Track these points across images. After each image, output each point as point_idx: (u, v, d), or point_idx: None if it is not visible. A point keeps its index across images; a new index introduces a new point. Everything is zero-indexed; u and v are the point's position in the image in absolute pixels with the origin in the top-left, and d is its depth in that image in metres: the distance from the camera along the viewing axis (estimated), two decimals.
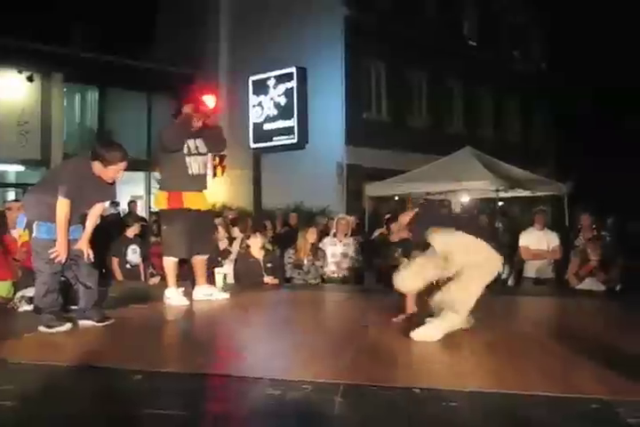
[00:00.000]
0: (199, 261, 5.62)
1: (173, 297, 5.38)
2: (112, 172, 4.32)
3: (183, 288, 5.56)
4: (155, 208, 13.39)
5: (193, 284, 5.71)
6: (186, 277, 5.90)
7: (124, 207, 10.67)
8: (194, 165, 5.41)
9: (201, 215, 5.51)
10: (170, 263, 5.48)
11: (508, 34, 20.51)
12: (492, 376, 3.04)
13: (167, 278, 5.50)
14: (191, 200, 5.39)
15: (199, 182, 5.50)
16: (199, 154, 5.48)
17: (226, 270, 6.87)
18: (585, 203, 9.87)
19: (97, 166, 4.28)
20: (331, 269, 7.20)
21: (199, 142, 5.49)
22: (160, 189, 5.54)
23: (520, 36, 21.07)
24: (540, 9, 20.53)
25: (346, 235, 7.43)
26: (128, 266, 7.15)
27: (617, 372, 3.01)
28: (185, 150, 5.36)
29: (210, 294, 5.61)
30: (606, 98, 22.50)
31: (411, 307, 4.44)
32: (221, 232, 7.18)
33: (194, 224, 5.39)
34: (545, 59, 22.12)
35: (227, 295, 5.67)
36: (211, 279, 6.38)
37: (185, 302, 5.37)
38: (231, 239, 7.51)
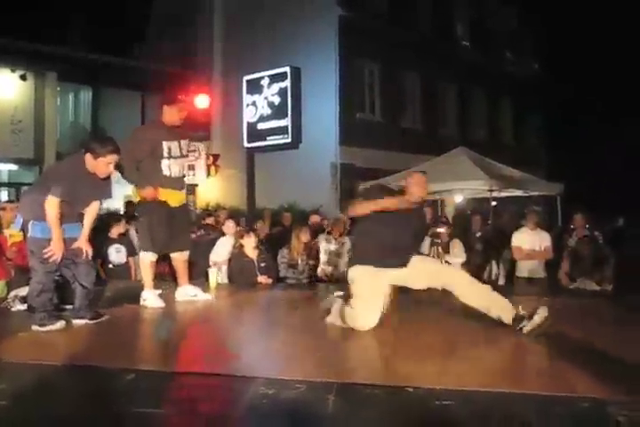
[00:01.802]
0: (180, 260, 5.49)
1: (149, 299, 5.21)
2: (103, 164, 4.30)
3: (160, 290, 5.44)
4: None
5: (176, 284, 5.62)
6: (172, 276, 5.81)
7: (117, 207, 10.48)
8: (173, 168, 5.24)
9: (178, 211, 5.35)
10: (146, 263, 5.30)
11: (500, 35, 20.55)
12: (483, 375, 3.06)
13: (143, 279, 5.34)
14: (168, 196, 5.23)
15: (177, 182, 5.33)
16: (181, 156, 5.31)
17: (220, 270, 6.89)
18: (578, 203, 9.90)
19: (88, 160, 4.29)
20: (324, 267, 7.23)
21: (183, 144, 5.34)
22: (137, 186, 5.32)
23: (513, 38, 21.11)
24: (532, 11, 20.58)
25: (341, 234, 7.46)
26: (110, 266, 7.09)
27: (608, 371, 3.04)
28: (165, 153, 5.18)
29: (194, 295, 5.51)
30: (600, 98, 22.62)
31: None
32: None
33: (171, 219, 5.24)
34: (537, 60, 22.19)
35: (210, 296, 5.60)
36: (205, 278, 6.39)
37: (161, 304, 5.18)
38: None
